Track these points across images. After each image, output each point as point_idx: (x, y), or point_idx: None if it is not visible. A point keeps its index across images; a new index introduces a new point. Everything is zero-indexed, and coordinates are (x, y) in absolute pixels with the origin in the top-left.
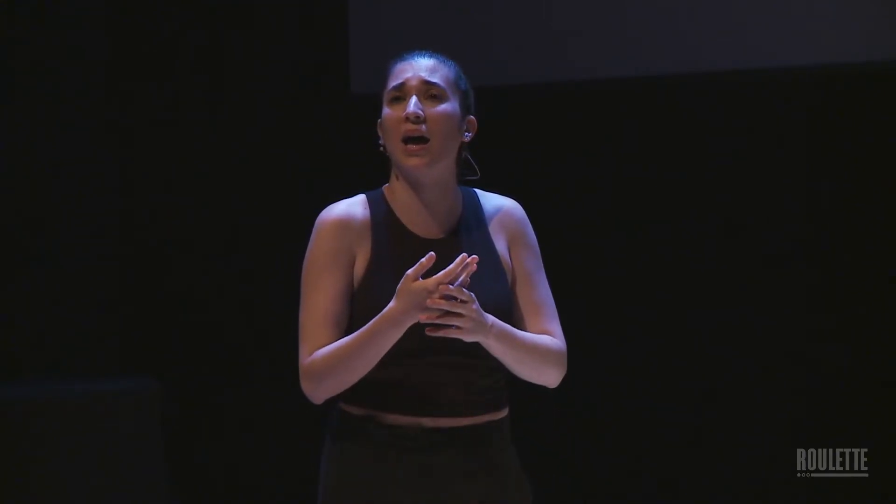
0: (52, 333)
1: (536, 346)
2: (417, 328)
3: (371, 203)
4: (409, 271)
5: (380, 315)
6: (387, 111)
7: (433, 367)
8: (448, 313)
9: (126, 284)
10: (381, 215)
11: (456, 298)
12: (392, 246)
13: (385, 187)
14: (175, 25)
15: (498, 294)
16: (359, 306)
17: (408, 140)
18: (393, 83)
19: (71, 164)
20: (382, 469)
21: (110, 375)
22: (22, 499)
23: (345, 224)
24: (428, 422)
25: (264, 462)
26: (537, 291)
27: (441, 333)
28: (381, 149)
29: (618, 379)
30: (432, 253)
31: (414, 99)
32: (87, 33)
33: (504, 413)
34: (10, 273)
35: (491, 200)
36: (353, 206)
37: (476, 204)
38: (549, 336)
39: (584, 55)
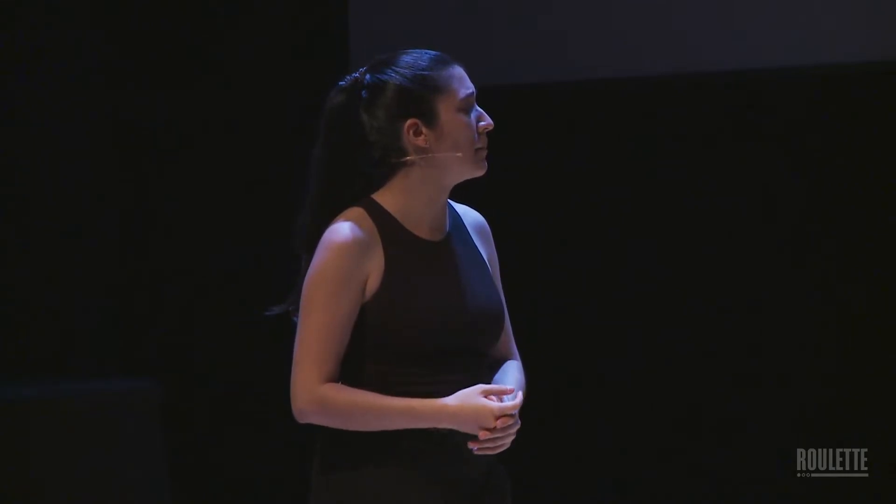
0: (52, 333)
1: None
2: (440, 333)
3: (371, 215)
4: (485, 387)
5: (431, 402)
6: (464, 118)
7: (454, 370)
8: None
9: (126, 284)
10: (384, 224)
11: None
12: (404, 251)
13: (377, 195)
14: (173, 20)
15: (497, 297)
16: (376, 313)
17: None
18: (466, 91)
19: (71, 163)
20: (418, 480)
21: (110, 375)
22: (22, 499)
23: (358, 244)
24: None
25: (265, 462)
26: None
27: (484, 452)
28: (416, 153)
29: (616, 378)
30: (519, 393)
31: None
32: (87, 30)
33: None
34: (10, 273)
35: (460, 206)
36: (358, 223)
37: (450, 207)
38: (518, 365)
39: (584, 55)
